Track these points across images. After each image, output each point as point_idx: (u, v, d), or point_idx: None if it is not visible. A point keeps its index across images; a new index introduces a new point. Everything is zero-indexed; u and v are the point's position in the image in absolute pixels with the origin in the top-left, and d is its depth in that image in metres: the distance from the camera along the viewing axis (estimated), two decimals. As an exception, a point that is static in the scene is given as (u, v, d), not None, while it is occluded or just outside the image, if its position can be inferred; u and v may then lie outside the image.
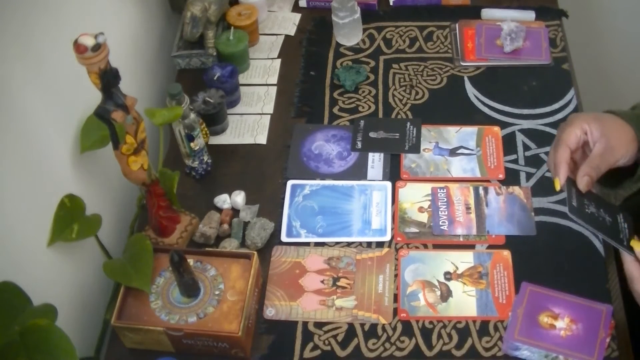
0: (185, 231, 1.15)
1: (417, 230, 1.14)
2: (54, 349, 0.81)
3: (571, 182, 0.97)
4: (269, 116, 1.33)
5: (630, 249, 0.94)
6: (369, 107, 1.33)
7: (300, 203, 1.19)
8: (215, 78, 1.31)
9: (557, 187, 0.97)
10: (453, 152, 1.24)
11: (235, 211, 1.19)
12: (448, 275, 1.09)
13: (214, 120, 1.27)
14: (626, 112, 1.01)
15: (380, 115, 1.31)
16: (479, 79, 1.36)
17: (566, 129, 0.99)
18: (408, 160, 1.24)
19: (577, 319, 0.99)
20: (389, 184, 1.20)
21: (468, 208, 1.16)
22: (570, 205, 0.95)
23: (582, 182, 0.96)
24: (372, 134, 1.27)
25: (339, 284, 1.09)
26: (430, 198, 1.18)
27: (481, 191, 1.18)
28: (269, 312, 1.07)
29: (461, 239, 1.13)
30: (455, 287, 1.07)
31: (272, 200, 1.20)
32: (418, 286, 1.08)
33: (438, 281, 1.08)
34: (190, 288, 1.01)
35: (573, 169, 0.98)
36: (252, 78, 1.40)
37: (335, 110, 1.33)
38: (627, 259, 0.93)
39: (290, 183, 1.22)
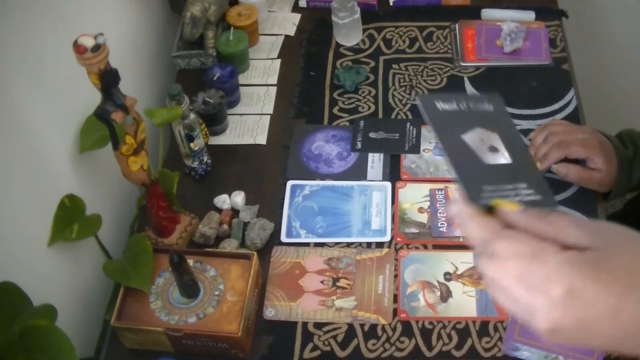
0: (185, 231, 1.15)
1: (417, 231, 1.14)
2: (54, 349, 0.81)
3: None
4: (268, 116, 1.33)
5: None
6: (369, 107, 1.33)
7: (300, 203, 1.19)
8: (215, 78, 1.31)
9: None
10: (453, 153, 1.24)
11: (235, 211, 1.19)
12: (448, 276, 1.09)
13: (214, 120, 1.27)
14: (625, 154, 1.13)
15: (380, 115, 1.31)
16: (479, 79, 1.36)
17: (581, 149, 1.10)
18: (408, 160, 1.23)
19: (576, 319, 0.99)
20: (388, 184, 1.20)
21: (468, 208, 1.15)
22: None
23: (557, 169, 1.13)
24: (372, 135, 1.27)
25: (338, 284, 1.09)
26: (429, 199, 1.18)
27: (481, 191, 1.17)
28: (269, 313, 1.07)
29: (461, 240, 1.13)
30: (455, 287, 1.07)
31: (272, 200, 1.20)
32: (418, 287, 1.08)
33: (438, 282, 1.08)
34: (190, 288, 1.01)
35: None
36: (252, 78, 1.40)
37: (335, 110, 1.33)
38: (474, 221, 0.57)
39: (290, 183, 1.22)
